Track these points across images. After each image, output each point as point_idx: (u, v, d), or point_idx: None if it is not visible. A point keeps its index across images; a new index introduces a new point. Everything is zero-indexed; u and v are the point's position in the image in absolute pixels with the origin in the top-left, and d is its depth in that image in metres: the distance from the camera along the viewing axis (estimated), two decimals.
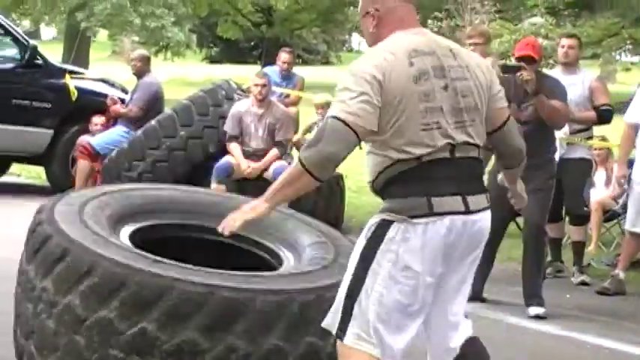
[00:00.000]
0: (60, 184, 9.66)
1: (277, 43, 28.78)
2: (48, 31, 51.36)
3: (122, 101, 9.60)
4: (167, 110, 8.89)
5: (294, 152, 9.36)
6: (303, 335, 3.23)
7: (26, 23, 38.53)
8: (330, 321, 2.96)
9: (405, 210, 2.87)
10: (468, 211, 2.91)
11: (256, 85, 8.20)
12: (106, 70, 20.84)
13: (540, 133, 5.88)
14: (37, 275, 3.34)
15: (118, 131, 9.15)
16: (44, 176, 10.24)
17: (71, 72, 10.26)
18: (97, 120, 9.45)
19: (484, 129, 3.04)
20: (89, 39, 26.98)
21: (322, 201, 8.58)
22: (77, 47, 23.76)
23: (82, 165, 8.98)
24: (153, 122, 8.62)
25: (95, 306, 3.14)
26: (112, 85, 10.49)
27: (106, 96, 9.73)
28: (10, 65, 9.70)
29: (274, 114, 8.23)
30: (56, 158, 9.79)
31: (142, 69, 9.39)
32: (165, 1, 24.53)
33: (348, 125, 2.79)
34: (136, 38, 31.43)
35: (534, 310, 5.85)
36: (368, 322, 2.88)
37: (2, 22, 10.04)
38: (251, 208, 2.98)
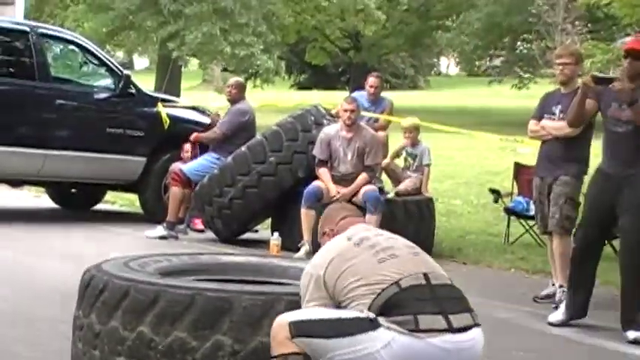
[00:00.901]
0: (153, 211, 9.84)
1: (365, 68, 28.87)
2: (141, 62, 52.57)
3: (208, 127, 9.74)
4: (257, 136, 8.98)
5: (384, 177, 9.35)
6: None
7: (120, 54, 39.50)
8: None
9: (395, 323, 3.11)
10: (451, 329, 3.14)
11: (345, 110, 8.22)
12: (196, 98, 21.20)
13: (638, 140, 5.73)
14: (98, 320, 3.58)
15: (209, 158, 9.28)
16: (138, 203, 10.44)
17: (163, 100, 10.46)
18: (189, 147, 9.60)
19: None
20: (180, 68, 27.48)
21: (412, 224, 8.54)
22: (169, 76, 24.22)
23: (175, 192, 9.12)
24: (243, 148, 8.72)
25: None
26: (203, 112, 10.65)
27: (197, 123, 9.89)
28: (104, 95, 9.93)
29: (363, 138, 8.24)
30: (149, 185, 9.97)
31: (236, 96, 9.50)
32: (255, 29, 24.83)
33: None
34: (226, 66, 31.90)
35: (633, 334, 5.70)
36: None
37: (97, 53, 10.31)
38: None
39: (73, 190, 10.76)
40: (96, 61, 10.29)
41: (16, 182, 10.46)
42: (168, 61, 25.32)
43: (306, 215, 8.01)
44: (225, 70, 34.12)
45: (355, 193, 8.18)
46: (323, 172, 8.24)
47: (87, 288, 3.66)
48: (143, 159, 9.89)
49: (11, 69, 9.67)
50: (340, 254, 3.32)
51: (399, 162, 9.40)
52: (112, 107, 9.87)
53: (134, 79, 10.24)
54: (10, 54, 9.79)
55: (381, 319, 3.13)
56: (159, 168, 9.93)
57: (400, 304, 3.15)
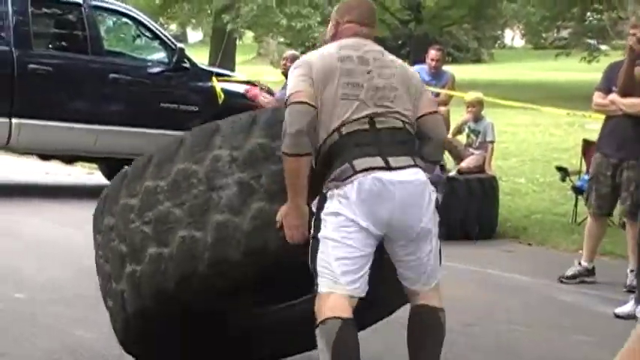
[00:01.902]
0: None
1: (426, 40, 28.64)
2: (194, 35, 52.85)
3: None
4: None
5: (445, 154, 9.30)
6: None
7: (173, 27, 39.75)
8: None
9: (336, 178, 3.36)
10: (388, 168, 3.36)
11: None
12: (251, 71, 21.28)
13: None
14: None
15: None
16: None
17: (218, 74, 10.51)
18: None
19: (407, 109, 3.54)
20: (235, 41, 27.57)
21: (475, 204, 8.49)
22: (223, 49, 24.31)
23: None
24: None
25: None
26: (259, 86, 10.68)
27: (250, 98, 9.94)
28: (158, 69, 10.01)
29: None
30: None
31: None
32: (312, 0, 24.79)
33: (299, 102, 3.38)
34: (282, 39, 31.93)
35: None
36: (329, 271, 3.33)
37: (151, 26, 10.39)
38: (287, 217, 3.40)
39: (126, 167, 10.88)
40: (149, 34, 10.37)
41: (69, 158, 10.60)
42: (222, 34, 25.40)
43: None
44: (281, 43, 34.16)
45: None
46: None
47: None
48: None
49: (64, 42, 9.80)
50: (324, 69, 3.48)
51: (462, 138, 9.35)
52: (165, 82, 9.95)
53: (188, 52, 10.31)
54: (62, 27, 9.91)
55: (325, 189, 3.38)
56: None
57: (339, 152, 3.39)
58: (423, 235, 3.43)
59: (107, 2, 10.58)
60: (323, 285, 3.35)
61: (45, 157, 10.34)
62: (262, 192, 3.48)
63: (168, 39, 10.36)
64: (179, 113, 9.88)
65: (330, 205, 3.37)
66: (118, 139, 9.52)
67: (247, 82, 10.91)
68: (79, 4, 9.69)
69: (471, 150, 9.05)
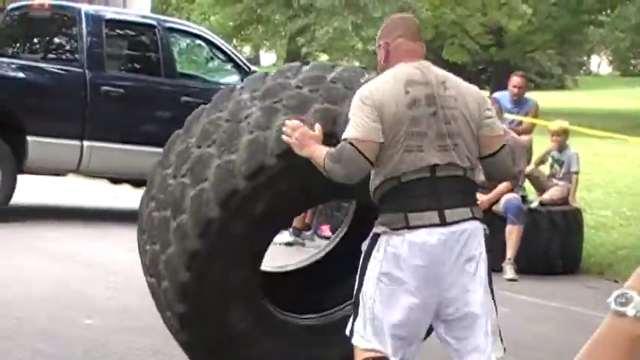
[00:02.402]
0: None
1: (508, 66, 28.50)
2: (267, 57, 53.33)
3: None
4: None
5: (527, 184, 9.22)
6: None
7: (247, 49, 40.19)
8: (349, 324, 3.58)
9: (388, 224, 3.45)
10: (444, 224, 3.42)
11: None
12: None
13: None
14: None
15: None
16: None
17: None
18: None
19: (470, 152, 3.56)
20: (309, 64, 27.79)
21: (558, 237, 8.39)
22: None
23: None
24: None
25: None
26: None
27: None
28: None
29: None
30: None
31: None
32: None
33: (362, 155, 3.43)
34: (357, 63, 32.06)
35: None
36: (364, 324, 3.47)
37: (224, 48, 10.53)
38: (306, 143, 3.64)
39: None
40: (223, 57, 10.51)
41: (139, 182, 10.76)
42: (296, 57, 25.62)
43: None
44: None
45: (495, 202, 8.10)
46: None
47: None
48: None
49: (137, 64, 9.99)
50: (395, 119, 3.47)
51: (544, 169, 9.26)
52: None
53: None
54: (136, 49, 10.11)
55: (377, 230, 3.48)
56: None
57: (394, 200, 3.48)
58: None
59: (181, 24, 10.77)
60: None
61: (115, 180, 10.51)
62: (284, 108, 4.03)
63: (242, 61, 10.48)
64: None
65: (379, 250, 3.46)
66: None
67: None
68: (152, 26, 9.88)
69: (554, 181, 8.97)
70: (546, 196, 8.81)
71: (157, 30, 9.82)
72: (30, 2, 10.37)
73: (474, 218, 3.48)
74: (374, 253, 3.46)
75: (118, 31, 9.95)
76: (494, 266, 3.92)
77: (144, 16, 10.70)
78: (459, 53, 34.35)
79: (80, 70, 9.23)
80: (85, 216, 9.89)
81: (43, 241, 8.04)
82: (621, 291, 1.08)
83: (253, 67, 10.44)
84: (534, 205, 8.72)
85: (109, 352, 4.92)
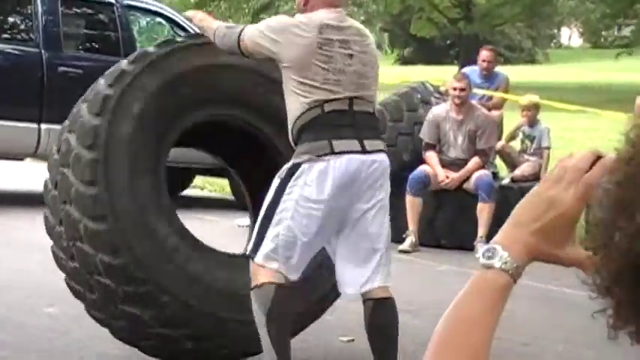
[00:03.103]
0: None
1: (477, 40, 28.58)
2: None
3: None
4: None
5: (498, 161, 9.27)
6: None
7: None
8: (249, 247, 4.04)
9: (312, 151, 3.92)
10: (364, 151, 3.98)
11: (455, 88, 8.17)
12: None
13: None
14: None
15: None
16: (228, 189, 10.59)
17: None
18: None
19: (375, 94, 4.17)
20: None
21: None
22: None
23: None
24: None
25: None
26: None
27: None
28: None
29: (475, 120, 8.18)
30: None
31: None
32: None
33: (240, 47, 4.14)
34: None
35: None
36: (276, 244, 3.91)
37: (186, 26, 10.46)
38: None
39: None
40: (184, 34, 10.43)
41: None
42: None
43: (411, 203, 8.01)
44: None
45: (466, 179, 8.13)
46: (430, 156, 8.21)
47: None
48: None
49: (95, 44, 9.91)
50: (300, 60, 3.99)
51: (515, 144, 9.31)
52: None
53: None
54: (94, 28, 10.03)
55: (298, 159, 3.94)
56: None
57: (318, 129, 3.96)
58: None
59: (140, 1, 10.67)
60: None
61: None
62: None
63: None
64: None
65: (297, 178, 3.92)
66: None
67: None
68: (110, 4, 9.79)
69: (525, 157, 9.02)
70: (517, 172, 8.87)
71: (115, 8, 9.74)
72: None
73: (384, 151, 4.09)
74: (293, 181, 3.92)
75: (75, 9, 9.86)
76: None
77: None
78: (427, 27, 34.42)
79: (36, 50, 9.15)
80: (43, 202, 9.80)
81: (0, 228, 7.98)
82: (489, 246, 1.18)
83: None
84: (505, 181, 8.77)
85: (71, 341, 4.90)
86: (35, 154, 9.44)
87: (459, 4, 33.76)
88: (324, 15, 4.05)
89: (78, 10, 9.95)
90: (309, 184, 3.89)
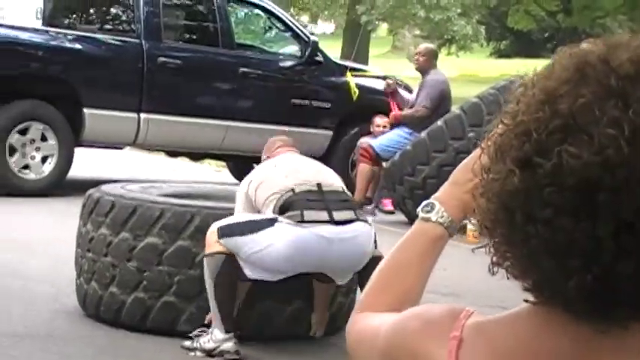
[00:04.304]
0: None
1: (576, 33, 28.11)
2: (323, 27, 53.20)
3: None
4: (454, 110, 8.93)
5: None
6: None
7: (304, 18, 40.14)
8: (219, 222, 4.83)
9: (287, 214, 4.73)
10: (331, 221, 4.75)
11: None
12: (386, 66, 21.29)
13: None
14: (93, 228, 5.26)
15: (401, 133, 9.31)
16: None
17: (352, 69, 10.56)
18: (379, 121, 9.63)
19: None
20: (369, 34, 27.66)
21: None
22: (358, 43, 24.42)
23: (363, 168, 9.23)
24: (439, 123, 8.70)
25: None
26: (396, 82, 10.68)
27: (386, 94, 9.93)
28: (289, 63, 10.13)
29: None
30: (335, 161, 10.06)
31: (426, 64, 9.45)
32: None
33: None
34: (418, 32, 31.86)
35: None
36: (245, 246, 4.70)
37: (283, 18, 10.53)
38: None
39: (255, 165, 11.05)
40: (281, 26, 10.51)
41: (197, 155, 10.85)
42: (355, 26, 25.52)
43: None
44: (417, 36, 34.09)
45: None
46: None
47: (95, 206, 5.26)
48: (329, 132, 10.05)
49: (194, 35, 10.04)
50: (263, 175, 4.97)
51: None
52: (297, 76, 10.06)
53: (322, 45, 10.39)
54: (193, 19, 10.16)
55: (279, 218, 4.69)
56: (346, 143, 10.05)
57: (293, 205, 4.71)
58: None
59: None
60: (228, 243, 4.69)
61: (173, 154, 10.61)
62: None
63: (302, 31, 10.47)
64: (310, 110, 9.98)
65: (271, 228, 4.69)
66: (247, 136, 9.66)
67: (383, 78, 10.93)
68: None
69: None
70: None
71: None
72: None
73: (358, 220, 4.87)
74: (270, 229, 4.70)
75: (175, 0, 10.00)
76: None
77: None
78: (524, 20, 33.94)
79: (137, 40, 9.30)
80: None
81: None
82: (428, 201, 1.34)
83: (312, 37, 10.42)
84: None
85: None
86: (134, 143, 9.61)
87: None
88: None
89: (177, 2, 10.09)
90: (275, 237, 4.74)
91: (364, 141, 9.45)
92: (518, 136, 1.06)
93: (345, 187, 5.05)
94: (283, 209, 4.69)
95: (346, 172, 10.10)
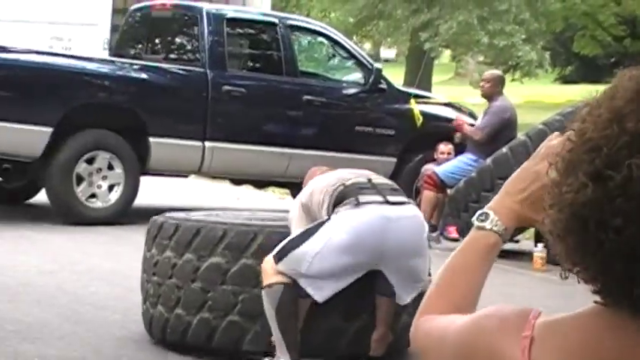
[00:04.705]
0: None
1: None
2: (385, 53, 53.25)
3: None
4: (520, 136, 8.87)
5: None
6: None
7: (367, 46, 40.24)
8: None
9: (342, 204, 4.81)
10: (386, 202, 4.81)
11: None
12: (449, 92, 21.25)
13: None
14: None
15: (466, 159, 9.28)
16: None
17: (416, 96, 10.56)
18: (444, 148, 9.62)
19: None
20: (432, 61, 27.64)
21: None
22: (422, 69, 24.41)
23: (427, 195, 9.20)
24: (504, 150, 8.65)
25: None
26: (459, 109, 10.67)
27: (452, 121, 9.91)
28: (353, 90, 10.16)
29: None
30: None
31: (491, 91, 9.42)
32: (517, 16, 24.53)
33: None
34: (481, 58, 31.75)
35: None
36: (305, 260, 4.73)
37: (346, 45, 10.57)
38: None
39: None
40: (345, 54, 10.55)
41: (261, 183, 10.90)
42: (419, 53, 25.53)
43: None
44: (480, 62, 33.97)
45: None
46: None
47: (159, 230, 5.36)
48: (393, 159, 10.04)
49: (258, 63, 10.13)
50: (313, 185, 5.00)
51: None
52: (361, 104, 10.09)
53: (384, 72, 10.41)
54: (257, 47, 10.25)
55: (334, 211, 4.76)
56: (410, 169, 10.03)
57: (346, 195, 4.80)
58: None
59: (302, 21, 10.86)
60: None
61: (237, 181, 10.67)
62: None
63: (365, 59, 10.50)
64: (374, 137, 9.99)
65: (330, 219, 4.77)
66: (311, 163, 9.62)
67: (447, 104, 10.91)
68: (274, 24, 9.98)
69: None
70: None
71: (278, 28, 9.92)
72: (152, 2, 10.62)
73: (409, 203, 5.08)
74: (325, 226, 4.74)
75: (239, 29, 10.11)
76: None
77: (265, 14, 10.83)
78: (591, 45, 33.63)
79: (202, 69, 9.41)
80: None
81: None
82: (482, 210, 1.43)
83: (376, 64, 10.45)
84: None
85: None
86: (199, 171, 9.70)
87: (624, 22, 32.90)
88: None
89: (241, 31, 10.19)
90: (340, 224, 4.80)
91: (428, 168, 9.44)
92: (588, 152, 1.15)
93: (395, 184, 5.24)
94: (337, 202, 4.77)
95: (410, 198, 10.06)
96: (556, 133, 1.36)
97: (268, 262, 4.73)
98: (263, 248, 4.98)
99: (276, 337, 4.70)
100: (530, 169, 1.41)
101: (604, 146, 1.14)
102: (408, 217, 4.87)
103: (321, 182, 4.95)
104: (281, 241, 4.85)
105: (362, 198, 4.75)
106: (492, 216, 1.41)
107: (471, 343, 1.26)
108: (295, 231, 4.86)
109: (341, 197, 4.75)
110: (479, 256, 1.40)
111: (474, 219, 1.43)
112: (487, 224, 1.41)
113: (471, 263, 1.40)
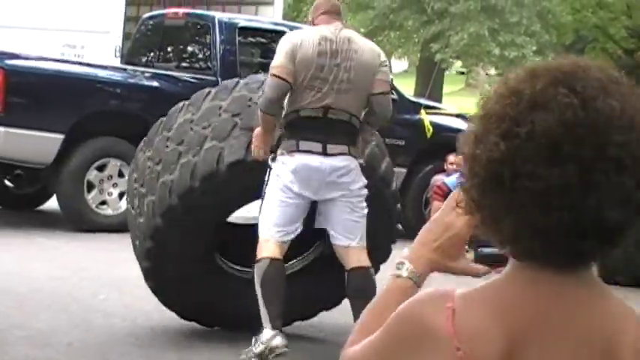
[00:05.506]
0: (413, 226, 9.96)
1: None
2: (397, 64, 53.28)
3: None
4: None
5: None
6: None
7: None
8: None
9: (285, 148, 5.01)
10: (325, 154, 4.96)
11: None
12: (459, 104, 21.24)
13: None
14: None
15: None
16: None
17: (426, 107, 10.55)
18: (453, 158, 9.62)
19: (359, 100, 5.07)
20: (443, 71, 27.64)
21: None
22: (433, 80, 24.43)
23: (437, 206, 9.18)
24: None
25: None
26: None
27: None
28: None
29: None
30: (409, 198, 10.07)
31: None
32: (527, 28, 24.54)
33: (280, 77, 4.95)
34: (492, 70, 31.74)
35: None
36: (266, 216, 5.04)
37: None
38: (257, 138, 5.14)
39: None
40: None
41: None
42: (429, 64, 25.53)
43: None
44: (491, 74, 33.96)
45: None
46: None
47: None
48: (403, 170, 10.03)
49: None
50: (304, 56, 4.99)
51: None
52: None
53: (395, 83, 10.42)
54: (269, 56, 10.21)
55: (276, 155, 5.02)
56: (420, 180, 10.03)
57: (293, 129, 4.99)
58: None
59: None
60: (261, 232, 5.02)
61: None
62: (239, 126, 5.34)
63: None
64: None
65: (275, 168, 4.98)
66: None
67: (457, 115, 10.91)
68: (285, 33, 9.98)
69: None
70: None
71: None
72: (165, 11, 10.65)
73: (349, 154, 5.00)
74: (273, 172, 4.98)
75: (251, 38, 10.12)
76: None
77: (276, 23, 10.84)
78: (601, 58, 33.48)
79: (213, 78, 9.41)
80: None
81: None
82: (399, 260, 1.61)
83: None
84: None
85: None
86: None
87: (635, 35, 32.87)
88: (322, 28, 5.12)
89: (253, 40, 10.20)
90: (282, 174, 4.97)
91: (438, 178, 9.44)
92: (496, 120, 1.37)
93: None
94: (285, 129, 5.04)
95: (420, 209, 10.09)
96: (456, 190, 1.51)
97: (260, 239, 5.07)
98: None
99: (261, 308, 4.94)
100: (441, 220, 1.59)
101: (509, 112, 1.36)
102: (340, 167, 5.12)
103: (299, 76, 5.15)
104: None
105: (301, 144, 5.03)
106: (407, 265, 1.59)
107: (406, 314, 1.43)
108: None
109: (290, 127, 5.11)
110: (395, 299, 1.54)
111: (393, 267, 1.60)
112: (403, 272, 1.59)
113: (389, 305, 1.54)
